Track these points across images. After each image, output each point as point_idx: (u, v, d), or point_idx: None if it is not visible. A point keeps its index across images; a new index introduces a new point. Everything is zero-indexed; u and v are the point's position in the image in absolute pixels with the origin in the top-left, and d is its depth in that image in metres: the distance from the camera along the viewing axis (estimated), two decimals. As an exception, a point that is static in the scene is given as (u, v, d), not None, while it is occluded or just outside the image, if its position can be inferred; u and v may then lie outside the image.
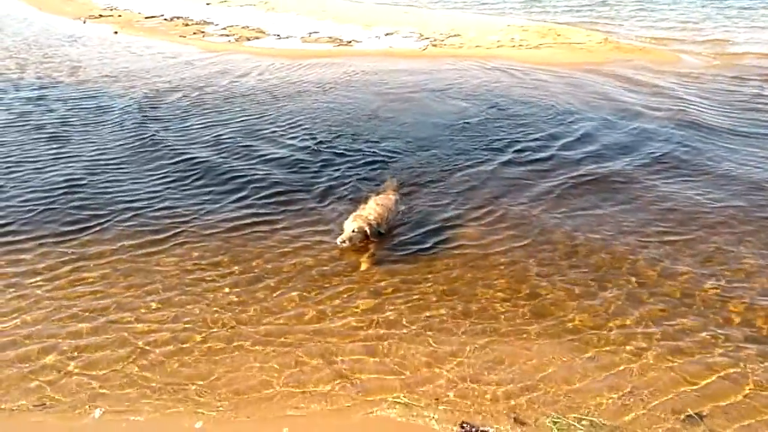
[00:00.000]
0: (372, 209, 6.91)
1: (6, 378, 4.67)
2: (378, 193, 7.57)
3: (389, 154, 9.40)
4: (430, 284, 5.92)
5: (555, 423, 4.15)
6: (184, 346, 5.04)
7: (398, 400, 4.40)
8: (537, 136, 10.06)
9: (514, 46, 17.51)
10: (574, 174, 8.45)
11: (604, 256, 6.31)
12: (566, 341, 5.03)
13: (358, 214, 6.73)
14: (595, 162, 8.85)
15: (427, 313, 5.45)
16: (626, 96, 12.31)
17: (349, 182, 8.37)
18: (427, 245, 6.73)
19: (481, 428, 4.05)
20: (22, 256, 6.46)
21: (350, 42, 18.89)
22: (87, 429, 4.17)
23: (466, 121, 10.98)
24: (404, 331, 5.21)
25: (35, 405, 4.37)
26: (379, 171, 8.71)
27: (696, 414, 4.26)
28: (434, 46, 18.06)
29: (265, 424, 4.21)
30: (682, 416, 4.24)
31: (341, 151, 9.52)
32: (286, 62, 16.19)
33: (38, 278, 6.03)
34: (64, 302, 5.59)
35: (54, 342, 5.06)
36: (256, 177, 8.50)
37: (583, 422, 4.18)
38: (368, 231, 6.53)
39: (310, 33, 20.18)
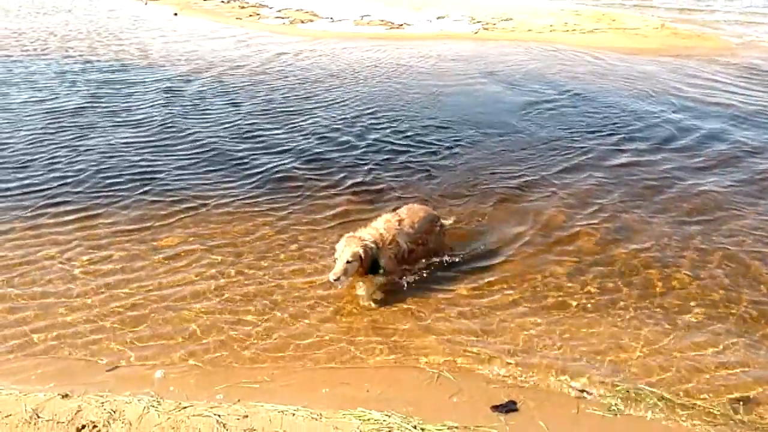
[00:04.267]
0: (376, 230, 5.49)
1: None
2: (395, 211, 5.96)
3: (457, 143, 9.18)
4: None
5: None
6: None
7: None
8: (620, 127, 9.76)
9: (566, 31, 17.34)
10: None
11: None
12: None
13: (351, 236, 5.34)
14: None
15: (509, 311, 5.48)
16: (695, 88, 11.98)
17: (411, 176, 8.08)
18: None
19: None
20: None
21: (401, 25, 19.01)
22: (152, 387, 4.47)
23: (537, 108, 10.83)
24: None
25: (108, 369, 4.70)
26: (449, 161, 8.51)
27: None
28: (486, 29, 18.04)
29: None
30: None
31: (400, 139, 9.37)
32: (339, 44, 16.46)
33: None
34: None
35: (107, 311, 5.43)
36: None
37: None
38: (362, 255, 5.13)
39: (362, 16, 20.36)
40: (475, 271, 5.86)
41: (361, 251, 5.12)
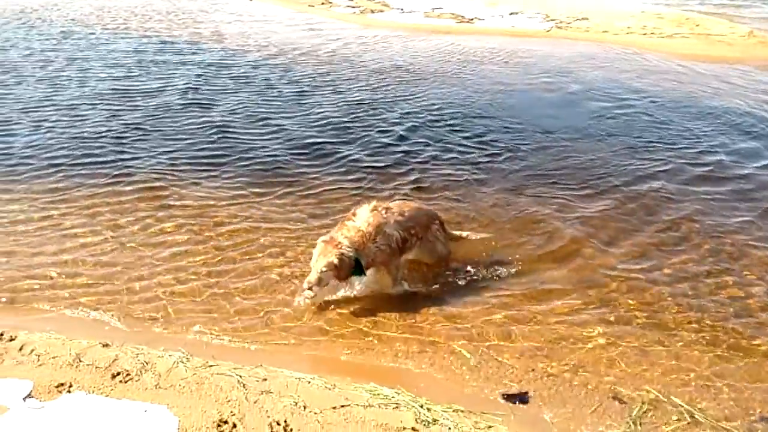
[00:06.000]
0: (356, 229, 5.04)
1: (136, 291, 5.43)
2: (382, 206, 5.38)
3: (518, 145, 8.91)
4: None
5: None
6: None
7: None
8: (699, 140, 9.18)
9: (645, 34, 16.67)
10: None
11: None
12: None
13: (327, 241, 4.95)
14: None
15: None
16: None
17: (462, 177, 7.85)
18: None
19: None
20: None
21: (472, 19, 18.85)
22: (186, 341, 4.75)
23: (608, 113, 10.42)
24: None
25: (147, 320, 5.02)
26: (507, 164, 8.27)
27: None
28: (559, 28, 17.61)
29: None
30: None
31: (459, 138, 9.16)
32: (407, 36, 16.53)
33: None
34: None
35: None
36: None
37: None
38: (336, 263, 4.80)
39: (433, 8, 20.31)
40: (521, 277, 5.67)
41: (335, 261, 4.80)
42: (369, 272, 5.15)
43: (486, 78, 12.62)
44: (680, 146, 8.97)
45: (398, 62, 13.82)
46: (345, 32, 17.18)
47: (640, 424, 4.04)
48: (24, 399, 3.74)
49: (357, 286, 5.25)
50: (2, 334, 4.44)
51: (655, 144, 9.05)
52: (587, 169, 8.11)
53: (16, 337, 4.44)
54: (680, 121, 10.05)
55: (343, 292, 5.26)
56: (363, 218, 5.15)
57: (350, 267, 4.92)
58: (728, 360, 4.66)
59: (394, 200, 6.06)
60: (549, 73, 12.98)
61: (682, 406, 4.18)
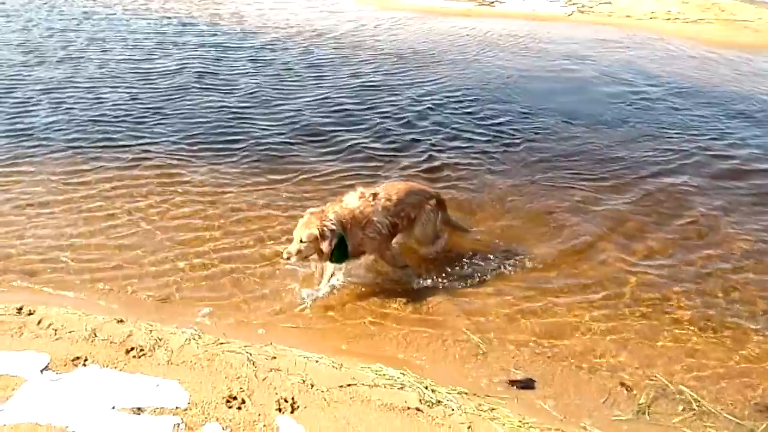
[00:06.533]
0: (348, 209, 4.97)
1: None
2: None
3: (536, 132, 8.77)
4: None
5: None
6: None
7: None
8: (727, 131, 8.95)
9: (669, 19, 16.37)
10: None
11: None
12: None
13: (313, 212, 4.88)
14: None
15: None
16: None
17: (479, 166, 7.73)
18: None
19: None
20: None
21: (492, 2, 18.61)
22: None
23: (630, 101, 10.22)
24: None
25: (156, 301, 5.14)
26: (524, 153, 8.12)
27: None
28: (581, 12, 17.35)
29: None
30: None
31: (476, 125, 9.04)
32: (426, 19, 16.39)
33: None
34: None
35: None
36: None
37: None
38: (317, 235, 4.69)
39: (454, -9, 20.09)
40: (532, 268, 5.62)
41: (316, 233, 4.67)
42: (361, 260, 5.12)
43: (505, 63, 12.50)
44: (706, 137, 8.76)
45: (416, 46, 13.73)
46: (362, 14, 17.09)
47: (648, 413, 4.05)
48: (41, 371, 3.86)
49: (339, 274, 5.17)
50: (21, 308, 4.57)
51: (678, 134, 8.85)
52: (607, 160, 7.96)
53: (34, 311, 4.56)
54: (705, 111, 9.84)
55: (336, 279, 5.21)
56: (353, 204, 5.06)
57: (332, 241, 4.74)
58: (734, 352, 4.65)
59: (381, 183, 5.92)
60: (570, 59, 12.82)
61: (690, 395, 4.17)
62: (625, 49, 13.70)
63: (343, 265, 5.15)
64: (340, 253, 4.90)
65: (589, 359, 4.54)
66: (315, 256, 4.89)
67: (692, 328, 4.92)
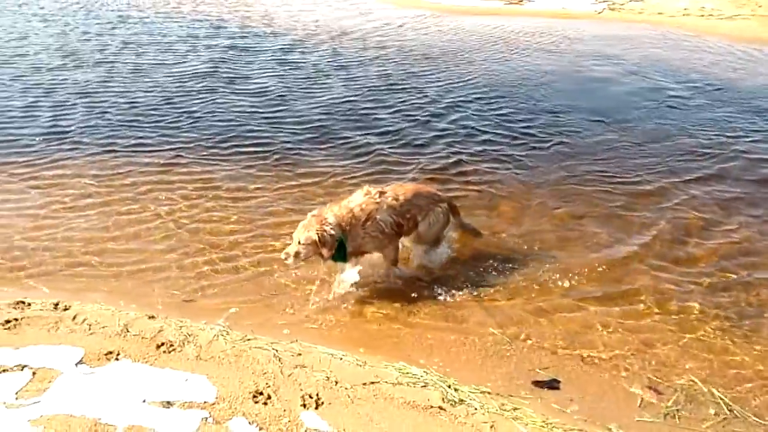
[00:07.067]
0: (348, 209, 5.00)
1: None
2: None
3: (566, 134, 8.61)
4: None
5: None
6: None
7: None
8: None
9: (702, 16, 15.97)
10: None
11: None
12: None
13: (314, 216, 4.91)
14: None
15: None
16: None
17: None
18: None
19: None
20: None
21: (521, 0, 18.48)
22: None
23: (664, 102, 9.94)
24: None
25: (186, 300, 5.25)
26: (552, 157, 7.97)
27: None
28: (612, 9, 17.06)
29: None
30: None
31: (501, 127, 8.95)
32: (453, 18, 16.35)
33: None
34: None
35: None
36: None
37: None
38: (316, 239, 4.73)
39: (482, -10, 19.99)
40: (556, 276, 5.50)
41: (315, 237, 4.71)
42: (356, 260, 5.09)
43: (534, 62, 12.40)
44: (746, 140, 8.43)
45: (444, 45, 13.73)
46: (389, 12, 17.17)
47: (678, 416, 3.99)
48: (76, 364, 4.00)
49: (341, 269, 5.15)
50: (57, 304, 4.74)
51: (716, 136, 8.56)
52: (640, 164, 7.74)
53: (70, 307, 4.72)
54: (744, 112, 9.52)
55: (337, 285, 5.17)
56: (355, 202, 5.08)
57: (332, 246, 4.81)
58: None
59: (390, 184, 5.92)
60: (600, 58, 12.65)
61: (722, 399, 4.10)
62: (657, 48, 13.45)
63: (347, 264, 5.14)
64: (339, 254, 4.95)
65: (616, 362, 4.48)
66: (316, 257, 4.94)
67: (726, 334, 4.80)
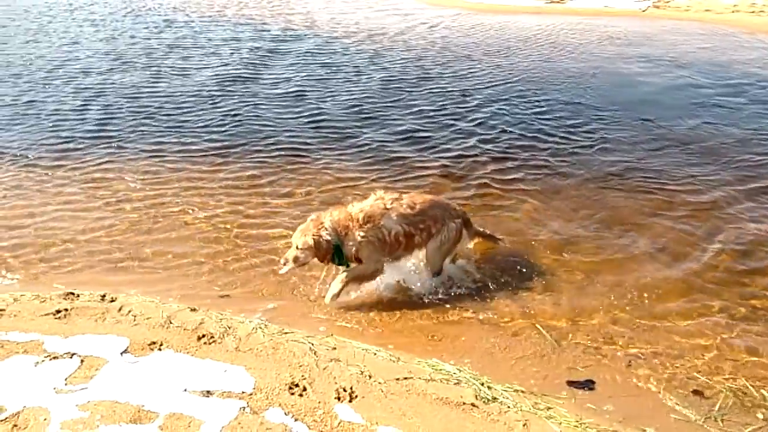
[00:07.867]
0: (347, 213, 4.90)
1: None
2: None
3: (612, 136, 8.48)
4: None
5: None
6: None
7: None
8: None
9: (753, 12, 15.48)
10: None
11: None
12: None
13: (312, 220, 4.88)
14: None
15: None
16: None
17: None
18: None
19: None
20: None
21: None
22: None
23: (715, 104, 9.67)
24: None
25: (221, 295, 5.38)
26: (595, 159, 7.86)
27: None
28: (656, 7, 16.71)
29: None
30: None
31: (542, 130, 8.85)
32: (495, 17, 16.28)
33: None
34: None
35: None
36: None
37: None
38: (311, 244, 4.71)
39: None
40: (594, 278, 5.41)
41: (311, 242, 4.69)
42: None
43: (577, 61, 12.27)
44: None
45: (486, 46, 13.67)
46: (431, 12, 17.22)
47: (721, 419, 3.89)
48: (121, 354, 4.15)
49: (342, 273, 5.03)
50: (104, 296, 4.93)
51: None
52: (689, 165, 7.58)
53: (116, 298, 4.91)
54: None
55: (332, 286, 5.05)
56: (359, 206, 4.96)
57: (328, 251, 4.78)
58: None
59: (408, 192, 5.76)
60: (646, 57, 12.41)
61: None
62: (706, 46, 13.11)
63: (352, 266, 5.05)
64: (339, 259, 4.94)
65: (655, 363, 4.40)
66: (315, 260, 4.93)
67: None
